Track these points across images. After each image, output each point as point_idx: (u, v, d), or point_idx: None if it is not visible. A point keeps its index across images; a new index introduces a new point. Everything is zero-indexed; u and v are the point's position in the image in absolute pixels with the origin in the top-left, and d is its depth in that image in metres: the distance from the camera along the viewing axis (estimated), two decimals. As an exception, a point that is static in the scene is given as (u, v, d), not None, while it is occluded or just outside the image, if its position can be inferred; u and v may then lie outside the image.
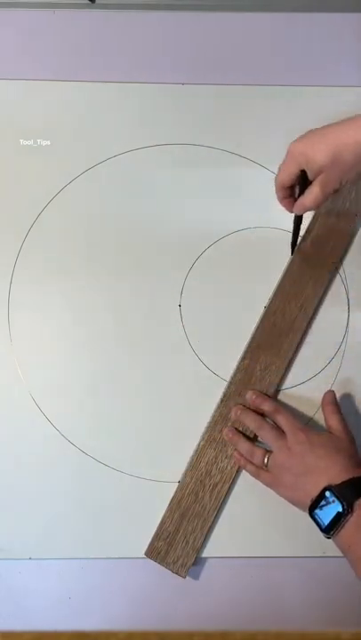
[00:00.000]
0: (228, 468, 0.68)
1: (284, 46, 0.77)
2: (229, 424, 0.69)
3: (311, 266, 0.72)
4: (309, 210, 0.64)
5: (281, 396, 0.71)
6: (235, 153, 0.75)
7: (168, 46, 0.76)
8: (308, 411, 0.71)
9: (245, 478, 0.68)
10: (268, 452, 0.65)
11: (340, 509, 0.57)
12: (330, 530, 0.58)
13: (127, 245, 0.73)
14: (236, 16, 0.76)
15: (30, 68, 0.75)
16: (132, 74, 0.75)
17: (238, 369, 0.70)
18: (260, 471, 0.65)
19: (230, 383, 0.70)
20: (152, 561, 0.66)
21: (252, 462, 0.66)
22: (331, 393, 0.68)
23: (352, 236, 0.74)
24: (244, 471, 0.68)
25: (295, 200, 0.64)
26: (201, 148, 0.75)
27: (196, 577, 0.68)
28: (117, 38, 0.76)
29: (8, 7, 0.75)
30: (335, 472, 0.60)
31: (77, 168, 0.74)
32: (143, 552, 0.67)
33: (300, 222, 0.69)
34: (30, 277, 0.72)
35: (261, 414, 0.68)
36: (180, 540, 0.67)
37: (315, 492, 0.59)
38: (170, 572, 0.66)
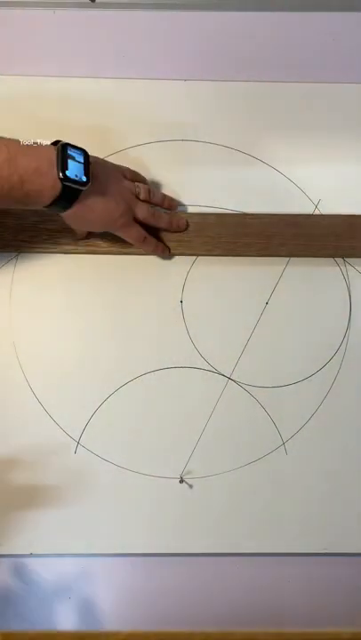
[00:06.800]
0: None
1: (284, 44, 0.77)
2: None
3: None
4: None
5: (281, 393, 0.71)
6: (236, 149, 0.75)
7: (168, 45, 0.77)
8: (309, 408, 0.71)
9: (245, 476, 0.68)
10: None
11: None
12: None
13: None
14: (237, 15, 0.77)
15: (30, 67, 0.75)
16: (132, 72, 0.76)
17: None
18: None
19: None
20: (153, 560, 0.66)
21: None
22: None
23: None
24: (244, 471, 0.68)
25: None
26: (202, 144, 0.75)
27: (196, 577, 0.68)
28: (118, 38, 0.77)
29: (8, 6, 0.76)
30: None
31: (77, 167, 0.74)
32: (143, 549, 0.67)
33: None
34: (30, 276, 0.72)
35: None
36: None
37: None
38: (170, 571, 0.66)
